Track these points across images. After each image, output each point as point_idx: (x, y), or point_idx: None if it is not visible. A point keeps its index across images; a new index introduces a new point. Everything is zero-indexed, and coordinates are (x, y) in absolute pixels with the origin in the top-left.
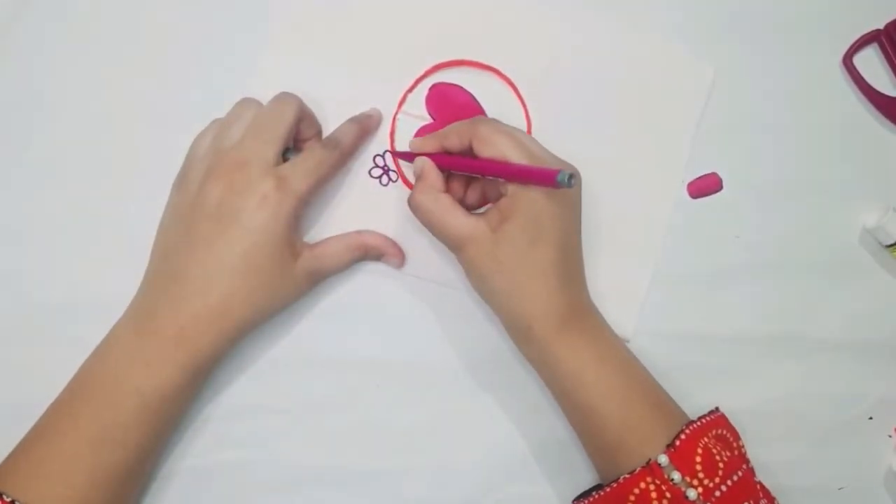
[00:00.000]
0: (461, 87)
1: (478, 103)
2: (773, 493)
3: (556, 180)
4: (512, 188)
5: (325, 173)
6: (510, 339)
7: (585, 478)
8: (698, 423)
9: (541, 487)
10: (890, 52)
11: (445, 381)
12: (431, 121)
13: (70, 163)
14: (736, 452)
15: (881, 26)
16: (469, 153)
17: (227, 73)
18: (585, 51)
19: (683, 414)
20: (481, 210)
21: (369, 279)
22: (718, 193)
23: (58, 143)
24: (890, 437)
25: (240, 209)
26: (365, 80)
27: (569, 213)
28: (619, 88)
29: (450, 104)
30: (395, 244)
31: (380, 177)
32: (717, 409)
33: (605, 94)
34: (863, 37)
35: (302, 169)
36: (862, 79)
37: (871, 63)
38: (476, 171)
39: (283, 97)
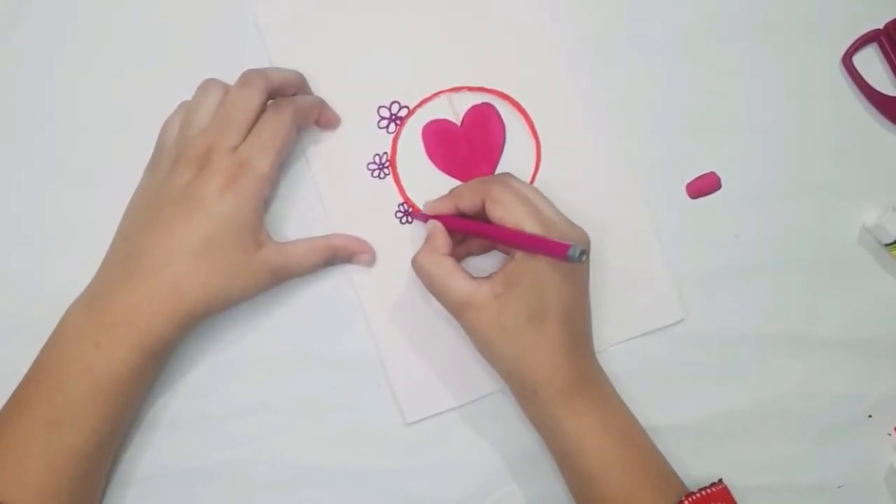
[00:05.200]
0: (503, 125)
1: (502, 145)
2: (773, 492)
3: (566, 255)
4: (520, 254)
5: (283, 140)
6: (515, 400)
7: None
8: (698, 495)
9: (540, 487)
10: (889, 51)
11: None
12: (458, 124)
13: (71, 163)
14: None
15: (881, 26)
16: (482, 212)
17: (233, 72)
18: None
19: (683, 485)
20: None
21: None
22: (717, 193)
23: (59, 143)
24: (890, 435)
25: (203, 194)
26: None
27: (576, 281)
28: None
29: (480, 127)
30: (363, 242)
31: (375, 171)
32: (720, 480)
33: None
34: (862, 36)
35: (259, 146)
36: (861, 78)
37: (870, 63)
38: (487, 237)
39: (250, 80)
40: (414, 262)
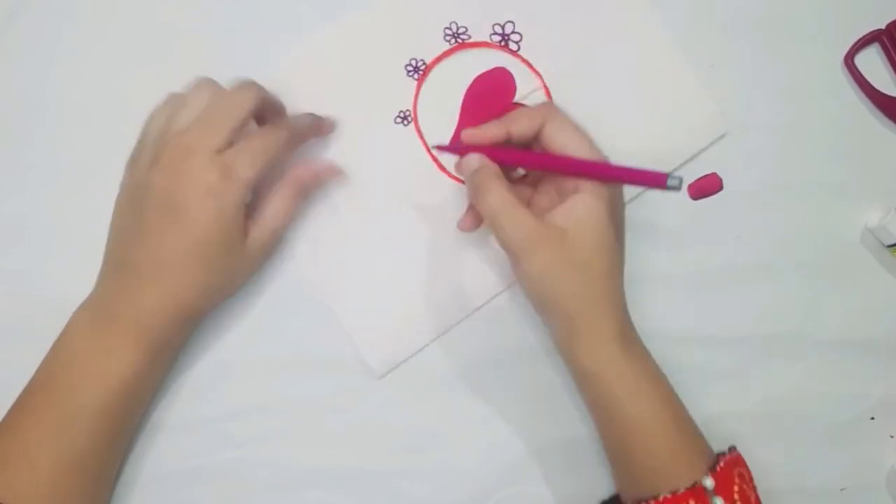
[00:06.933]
0: (512, 87)
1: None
2: (776, 495)
3: (666, 184)
4: (586, 189)
5: (273, 156)
6: (559, 346)
7: (585, 479)
8: (729, 456)
9: (541, 489)
10: (892, 51)
11: (446, 381)
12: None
13: (71, 162)
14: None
15: (883, 26)
16: (527, 143)
17: (232, 71)
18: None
19: (713, 451)
20: None
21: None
22: (719, 193)
23: (59, 142)
24: (892, 437)
25: (186, 200)
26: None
27: (621, 225)
28: (631, 101)
29: (489, 93)
30: (323, 163)
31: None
32: (734, 447)
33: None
34: (864, 36)
35: (248, 154)
36: (863, 79)
37: (872, 63)
38: (553, 169)
39: (243, 86)
40: (483, 204)
